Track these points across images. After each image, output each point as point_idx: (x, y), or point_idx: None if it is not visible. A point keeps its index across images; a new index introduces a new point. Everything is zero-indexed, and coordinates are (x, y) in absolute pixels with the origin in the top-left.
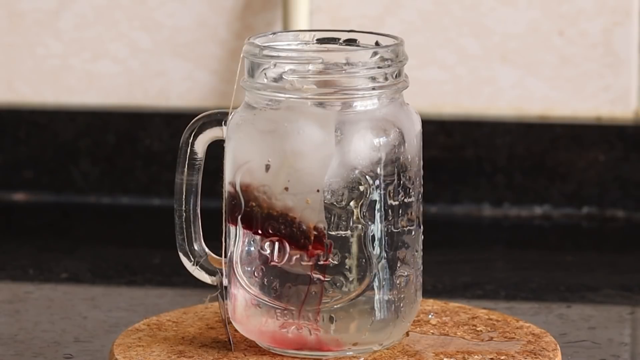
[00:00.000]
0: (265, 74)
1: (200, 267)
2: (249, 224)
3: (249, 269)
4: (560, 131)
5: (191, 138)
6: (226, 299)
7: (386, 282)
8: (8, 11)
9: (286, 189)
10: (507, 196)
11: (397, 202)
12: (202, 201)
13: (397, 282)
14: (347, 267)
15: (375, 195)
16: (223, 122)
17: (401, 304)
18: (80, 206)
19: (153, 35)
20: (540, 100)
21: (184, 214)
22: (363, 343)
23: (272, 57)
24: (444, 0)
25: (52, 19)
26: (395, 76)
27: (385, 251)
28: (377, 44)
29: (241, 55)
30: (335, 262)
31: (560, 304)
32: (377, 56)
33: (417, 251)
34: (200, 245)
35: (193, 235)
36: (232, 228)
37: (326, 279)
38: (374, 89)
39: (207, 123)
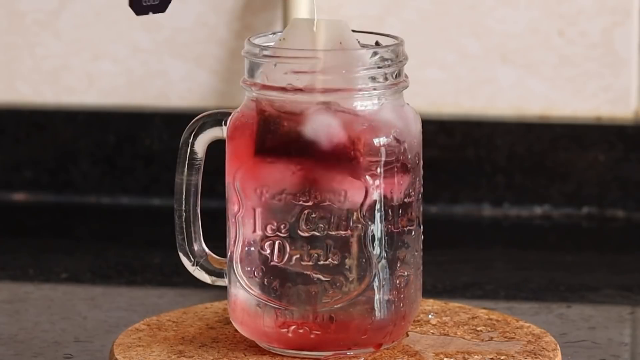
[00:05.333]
0: (265, 74)
1: (200, 267)
2: (249, 224)
3: (249, 269)
4: (560, 131)
5: (191, 138)
6: None
7: (386, 282)
8: (8, 11)
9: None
10: (507, 196)
11: (397, 202)
12: (202, 201)
13: (397, 282)
14: (347, 267)
15: (375, 195)
16: (223, 122)
17: (401, 304)
18: (80, 206)
19: (153, 35)
20: (540, 100)
21: (184, 214)
22: (363, 343)
23: (272, 57)
24: (444, 0)
25: (52, 19)
26: (395, 76)
27: (385, 251)
28: (377, 44)
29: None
30: (335, 262)
31: (560, 304)
32: (377, 56)
33: (417, 251)
34: (200, 245)
35: (193, 235)
36: (232, 228)
37: (326, 279)
38: (374, 89)
39: (207, 123)
